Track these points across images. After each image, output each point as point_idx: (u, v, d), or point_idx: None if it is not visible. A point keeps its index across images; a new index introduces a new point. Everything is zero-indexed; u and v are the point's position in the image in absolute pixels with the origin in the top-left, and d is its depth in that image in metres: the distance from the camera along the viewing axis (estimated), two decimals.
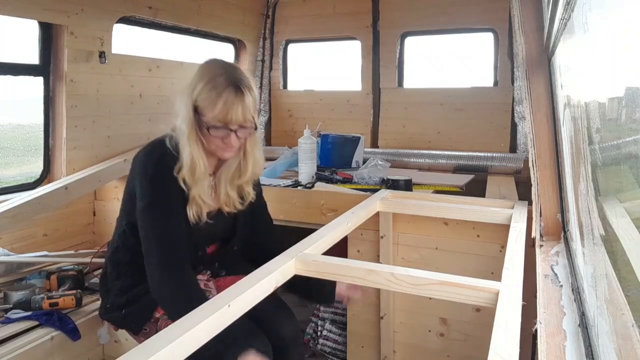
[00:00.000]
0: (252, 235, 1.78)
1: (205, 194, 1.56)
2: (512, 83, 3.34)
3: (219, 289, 1.70)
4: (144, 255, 1.51)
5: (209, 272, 1.72)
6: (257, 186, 1.77)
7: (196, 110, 1.50)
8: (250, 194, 1.68)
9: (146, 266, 1.51)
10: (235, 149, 1.56)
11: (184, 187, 1.51)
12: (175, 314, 1.34)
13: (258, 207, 1.79)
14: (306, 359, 2.43)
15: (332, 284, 1.70)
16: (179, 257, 1.50)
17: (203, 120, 1.49)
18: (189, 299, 1.39)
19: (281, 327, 1.66)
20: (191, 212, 1.54)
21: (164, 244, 1.50)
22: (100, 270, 2.44)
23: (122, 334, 2.08)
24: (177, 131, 1.53)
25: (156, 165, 1.54)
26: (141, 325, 1.61)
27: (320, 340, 2.52)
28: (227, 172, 1.62)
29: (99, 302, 2.15)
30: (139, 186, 1.55)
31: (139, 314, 1.60)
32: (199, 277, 1.68)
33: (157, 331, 1.53)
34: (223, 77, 1.49)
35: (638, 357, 0.60)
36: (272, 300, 1.68)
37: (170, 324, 1.52)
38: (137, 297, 1.61)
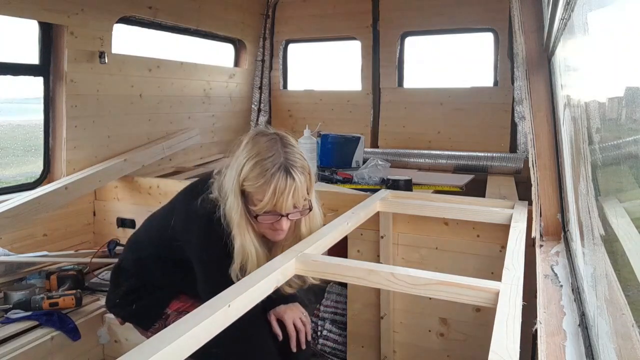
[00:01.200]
0: None
1: (255, 260, 1.43)
2: (512, 83, 3.34)
3: None
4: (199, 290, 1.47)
5: None
6: None
7: (244, 194, 1.39)
8: (309, 281, 1.53)
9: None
10: (286, 231, 1.45)
11: (235, 280, 1.38)
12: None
13: None
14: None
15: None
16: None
17: (252, 209, 1.39)
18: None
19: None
20: (236, 269, 1.43)
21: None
22: (100, 270, 2.46)
23: (123, 333, 2.08)
24: (228, 217, 1.41)
25: (206, 234, 1.45)
26: (153, 321, 1.60)
27: (320, 340, 2.52)
28: (286, 245, 1.49)
29: (99, 302, 2.16)
30: (198, 265, 1.48)
31: (151, 310, 1.59)
32: None
33: (165, 327, 1.54)
34: (272, 159, 1.36)
35: (638, 357, 0.60)
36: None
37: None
38: (147, 292, 1.60)
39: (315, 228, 1.54)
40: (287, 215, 1.39)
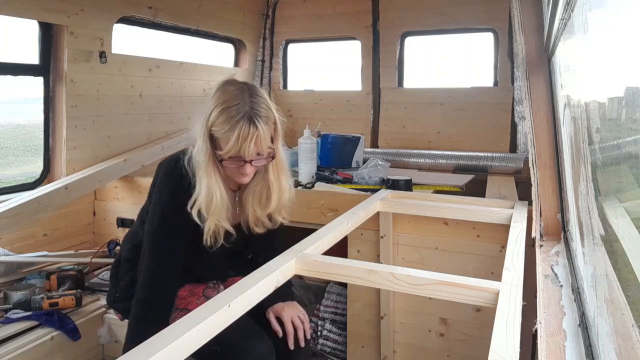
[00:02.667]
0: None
1: (223, 220, 1.53)
2: (512, 83, 3.34)
3: (226, 285, 1.72)
4: (140, 261, 1.54)
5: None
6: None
7: (212, 139, 1.47)
8: (279, 220, 1.65)
9: (139, 267, 1.54)
10: (251, 175, 1.54)
11: (197, 219, 1.49)
12: (137, 319, 1.47)
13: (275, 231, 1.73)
14: None
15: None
16: (168, 286, 1.53)
17: (218, 153, 1.47)
18: (156, 321, 1.44)
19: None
20: (208, 239, 1.52)
21: (156, 270, 1.52)
22: (100, 270, 2.46)
23: (122, 333, 2.07)
24: (194, 160, 1.50)
25: (171, 197, 1.53)
26: None
27: (320, 340, 2.52)
28: (251, 197, 1.60)
29: (99, 302, 2.16)
30: (152, 208, 1.57)
31: None
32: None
33: None
34: (237, 107, 1.44)
35: (638, 357, 0.60)
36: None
37: (177, 317, 1.55)
38: None
39: (283, 174, 1.62)
40: (250, 161, 1.48)
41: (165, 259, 1.53)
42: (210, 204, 1.49)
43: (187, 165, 1.52)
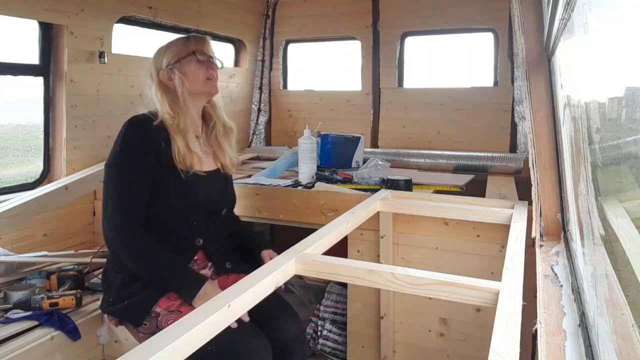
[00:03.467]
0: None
1: (193, 143, 1.68)
2: (512, 83, 3.34)
3: (222, 289, 1.70)
4: (102, 211, 1.61)
5: (211, 268, 1.73)
6: None
7: (171, 73, 1.70)
8: (237, 157, 1.91)
9: (102, 221, 1.60)
10: (217, 81, 1.75)
11: (163, 144, 1.61)
12: (142, 268, 1.58)
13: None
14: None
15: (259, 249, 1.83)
16: (132, 217, 1.58)
17: (183, 67, 1.69)
18: (148, 258, 1.57)
19: (286, 328, 1.66)
20: (178, 158, 1.63)
21: (121, 201, 1.58)
22: (99, 270, 2.45)
23: (122, 333, 2.08)
24: (150, 101, 1.72)
25: (130, 126, 1.65)
26: (142, 318, 1.61)
27: (320, 340, 2.52)
28: (217, 133, 1.81)
29: (99, 302, 2.16)
30: (112, 147, 1.66)
31: (140, 306, 1.61)
32: (203, 271, 1.69)
33: (157, 326, 1.57)
34: (184, 37, 1.76)
35: (638, 357, 0.60)
36: (276, 301, 1.69)
37: (170, 320, 1.56)
38: (138, 289, 1.62)
39: (225, 116, 1.85)
40: (211, 56, 1.74)
41: (130, 193, 1.60)
42: (175, 116, 1.66)
43: (148, 113, 1.69)
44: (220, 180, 1.81)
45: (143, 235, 1.58)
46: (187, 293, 1.55)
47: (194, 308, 1.49)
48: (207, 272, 1.71)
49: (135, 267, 1.60)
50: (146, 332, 1.60)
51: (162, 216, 1.65)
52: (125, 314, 1.64)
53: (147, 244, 1.57)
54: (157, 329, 1.58)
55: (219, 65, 1.78)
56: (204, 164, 1.74)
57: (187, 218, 1.68)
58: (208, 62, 1.73)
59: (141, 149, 1.62)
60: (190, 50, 1.70)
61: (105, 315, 2.10)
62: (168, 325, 1.52)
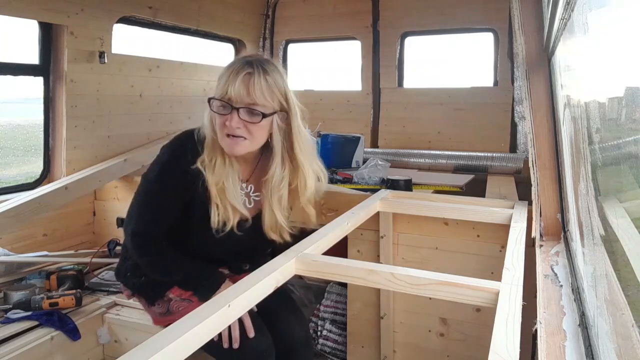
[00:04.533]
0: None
1: (233, 195, 1.39)
2: (512, 83, 3.34)
3: (233, 280, 1.71)
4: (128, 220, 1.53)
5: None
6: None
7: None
8: (312, 218, 1.49)
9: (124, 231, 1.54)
10: (241, 141, 1.36)
11: (201, 188, 1.39)
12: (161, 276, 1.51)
13: None
14: None
15: None
16: (149, 231, 1.49)
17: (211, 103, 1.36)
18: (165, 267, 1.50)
19: (293, 331, 1.66)
20: (215, 222, 1.40)
21: (145, 216, 1.48)
22: (100, 270, 2.46)
23: (123, 333, 2.08)
24: (202, 133, 1.44)
25: (173, 157, 1.45)
26: (156, 297, 1.63)
27: (320, 340, 2.52)
28: (271, 184, 1.43)
29: (99, 302, 2.16)
30: (151, 164, 1.51)
31: (155, 288, 1.63)
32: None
33: (168, 309, 1.62)
34: (241, 60, 1.36)
35: (638, 357, 0.60)
36: (285, 302, 1.69)
37: (181, 307, 1.60)
38: None
39: (306, 157, 1.43)
40: (237, 109, 1.31)
41: (153, 215, 1.47)
42: (213, 157, 1.37)
43: (196, 137, 1.42)
44: (255, 235, 1.51)
45: (158, 244, 1.51)
46: (202, 295, 1.51)
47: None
48: (224, 271, 1.70)
49: (150, 273, 1.59)
50: (158, 311, 1.65)
51: (185, 245, 1.57)
52: (141, 288, 1.65)
53: (159, 253, 1.52)
54: (168, 312, 1.63)
55: (256, 119, 1.34)
56: (243, 216, 1.46)
57: (212, 249, 1.59)
58: (231, 114, 1.33)
59: (175, 178, 1.43)
60: (221, 90, 1.33)
61: (106, 315, 2.11)
62: (179, 311, 1.59)
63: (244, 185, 1.52)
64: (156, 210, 1.48)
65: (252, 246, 1.59)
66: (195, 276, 1.55)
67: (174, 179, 1.44)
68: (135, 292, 1.68)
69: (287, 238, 1.50)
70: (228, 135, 1.36)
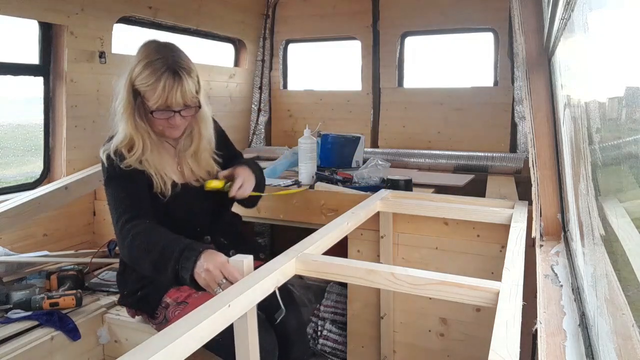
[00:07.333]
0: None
1: (162, 166, 1.63)
2: (512, 83, 3.34)
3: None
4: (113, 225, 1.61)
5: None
6: (225, 141, 1.90)
7: (137, 94, 1.58)
8: (213, 166, 1.76)
9: (115, 235, 1.60)
10: (182, 127, 1.64)
11: (135, 162, 1.59)
12: (146, 263, 1.47)
13: (231, 159, 1.88)
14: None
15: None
16: (137, 217, 1.55)
17: (147, 105, 1.56)
18: (150, 240, 1.49)
19: (286, 320, 1.66)
20: (156, 182, 1.61)
21: (123, 208, 1.56)
22: (100, 270, 2.46)
23: (123, 333, 2.08)
24: (113, 111, 1.64)
25: (108, 154, 1.64)
26: (154, 308, 1.70)
27: (320, 340, 2.52)
28: (183, 148, 1.72)
29: (99, 302, 2.17)
30: (107, 196, 1.65)
31: (152, 296, 1.70)
32: None
33: (165, 317, 1.67)
34: (160, 62, 1.53)
35: (638, 357, 0.60)
36: (280, 293, 1.69)
37: (177, 311, 1.63)
38: (150, 281, 1.70)
39: (209, 131, 1.73)
40: (179, 111, 1.57)
41: (127, 191, 1.60)
42: (132, 144, 1.58)
43: (109, 144, 1.64)
44: (195, 190, 1.74)
45: (138, 226, 1.55)
46: (184, 270, 1.44)
47: (200, 299, 1.56)
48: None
49: (137, 260, 1.57)
50: (157, 322, 1.71)
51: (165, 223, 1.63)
52: (139, 304, 1.74)
53: (140, 232, 1.54)
54: (165, 319, 1.68)
55: (196, 110, 1.64)
56: (181, 180, 1.71)
57: (186, 225, 1.69)
58: (179, 109, 1.59)
59: (122, 169, 1.63)
60: (161, 102, 1.54)
61: (106, 315, 2.11)
62: (175, 316, 1.63)
63: (174, 154, 1.75)
64: (127, 195, 1.59)
65: (204, 208, 1.76)
66: (175, 243, 1.49)
67: (122, 169, 1.61)
68: (136, 309, 1.78)
69: (206, 177, 1.74)
70: (169, 127, 1.62)
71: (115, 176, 1.61)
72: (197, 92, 1.60)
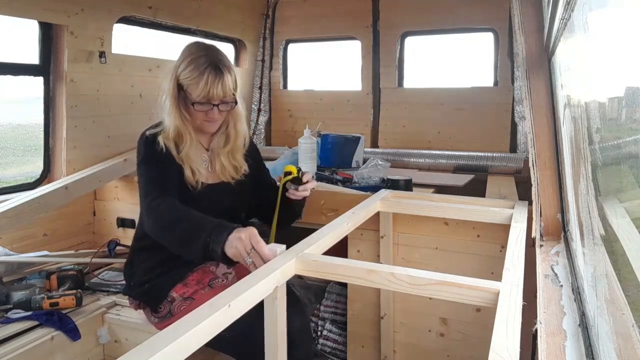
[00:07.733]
0: (260, 198, 1.94)
1: (196, 162, 1.72)
2: (512, 83, 3.34)
3: (239, 275, 1.80)
4: (140, 203, 1.70)
5: None
6: (257, 154, 1.99)
7: (181, 88, 1.69)
8: (243, 165, 1.84)
9: (141, 211, 1.70)
10: (219, 122, 1.75)
11: (175, 152, 1.68)
12: (173, 235, 1.53)
13: (259, 171, 1.98)
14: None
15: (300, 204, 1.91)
16: (166, 195, 1.62)
17: (189, 98, 1.68)
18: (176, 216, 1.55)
19: (290, 320, 1.66)
20: (188, 175, 1.70)
21: (153, 186, 1.65)
22: (100, 270, 2.46)
23: (123, 333, 2.08)
24: (160, 106, 1.71)
25: (149, 137, 1.73)
26: (160, 301, 1.73)
27: (320, 340, 2.52)
28: (218, 145, 1.81)
29: (99, 302, 2.16)
30: (136, 153, 1.75)
31: (159, 289, 1.73)
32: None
33: (170, 311, 1.71)
34: (204, 59, 1.66)
35: (638, 357, 0.60)
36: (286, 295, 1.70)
37: (183, 306, 1.67)
38: (158, 274, 1.75)
39: (244, 128, 1.84)
40: (217, 104, 1.69)
41: (161, 173, 1.68)
42: (179, 135, 1.69)
43: (154, 129, 1.72)
44: (230, 190, 1.82)
45: (168, 201, 1.62)
46: (215, 244, 1.45)
47: (206, 295, 1.60)
48: None
49: (162, 231, 1.61)
50: (160, 316, 1.73)
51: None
52: (145, 296, 1.77)
53: (170, 206, 1.60)
54: (170, 313, 1.71)
55: (232, 106, 1.75)
56: (209, 178, 1.79)
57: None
58: (218, 103, 1.70)
59: (158, 151, 1.71)
60: (203, 94, 1.66)
61: (106, 315, 2.11)
62: (180, 311, 1.66)
63: (206, 154, 1.84)
64: (159, 175, 1.68)
65: (226, 206, 1.81)
66: (207, 219, 1.54)
67: (157, 151, 1.70)
68: (140, 300, 1.79)
69: (235, 175, 1.82)
70: (206, 121, 1.72)
71: (151, 158, 1.70)
72: (234, 89, 1.72)
